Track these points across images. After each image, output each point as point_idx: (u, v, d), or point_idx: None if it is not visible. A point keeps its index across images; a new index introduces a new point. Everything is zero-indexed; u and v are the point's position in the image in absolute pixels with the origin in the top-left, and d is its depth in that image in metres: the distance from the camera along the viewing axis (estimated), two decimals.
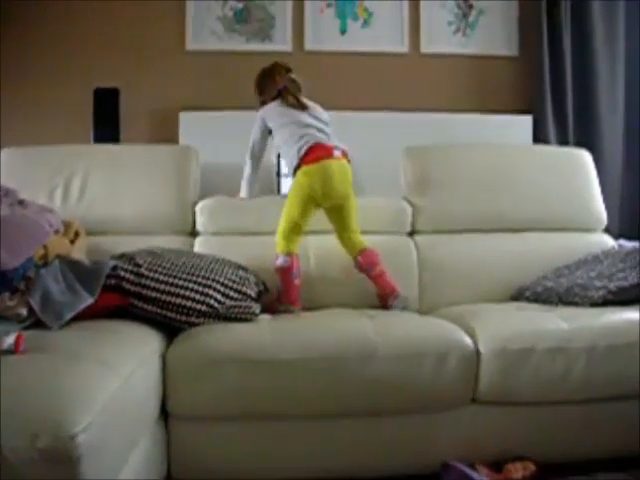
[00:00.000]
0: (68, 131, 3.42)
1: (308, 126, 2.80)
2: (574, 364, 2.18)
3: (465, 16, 3.72)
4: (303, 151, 2.73)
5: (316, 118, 2.86)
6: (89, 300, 2.07)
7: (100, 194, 2.92)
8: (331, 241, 2.85)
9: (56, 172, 2.94)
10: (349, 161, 2.82)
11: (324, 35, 3.67)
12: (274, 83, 2.94)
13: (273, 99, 2.92)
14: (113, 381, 1.60)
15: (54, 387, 1.45)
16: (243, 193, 2.98)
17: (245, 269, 2.53)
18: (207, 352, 2.06)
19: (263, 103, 2.94)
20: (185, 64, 3.63)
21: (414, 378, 2.12)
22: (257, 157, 2.95)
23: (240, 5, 3.61)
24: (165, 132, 3.35)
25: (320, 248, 2.86)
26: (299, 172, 2.74)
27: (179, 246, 2.81)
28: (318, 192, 2.70)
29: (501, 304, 2.74)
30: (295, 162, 2.75)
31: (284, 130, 2.82)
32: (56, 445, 1.28)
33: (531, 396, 2.21)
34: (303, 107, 2.86)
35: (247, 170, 2.97)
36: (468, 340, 2.19)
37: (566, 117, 3.63)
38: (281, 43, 3.63)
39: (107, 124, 3.34)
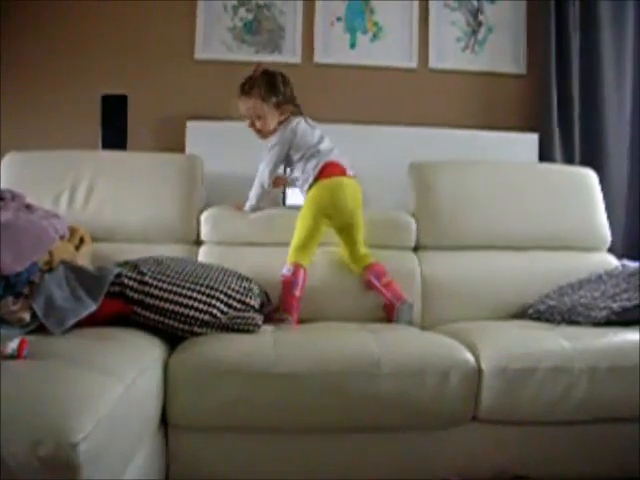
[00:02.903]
0: (75, 137, 3.41)
1: (320, 145, 2.83)
2: (576, 384, 2.17)
3: (474, 33, 3.72)
4: (319, 168, 2.77)
5: (322, 137, 2.88)
6: (92, 307, 2.07)
7: (106, 200, 2.91)
8: (336, 254, 2.87)
9: (62, 177, 2.93)
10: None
11: (333, 48, 3.66)
12: (292, 94, 2.90)
13: (292, 113, 2.87)
14: (115, 389, 1.59)
15: (56, 394, 1.45)
16: (248, 207, 2.96)
17: (249, 280, 2.52)
18: (209, 362, 2.06)
19: (278, 105, 2.85)
20: (194, 73, 3.62)
21: (415, 395, 2.11)
22: (267, 189, 2.93)
23: (250, 16, 3.62)
24: (172, 140, 3.35)
25: (325, 260, 2.86)
26: (314, 186, 2.77)
27: (183, 255, 2.81)
28: (330, 207, 2.74)
29: (503, 322, 2.73)
30: (311, 179, 2.78)
31: (302, 153, 2.83)
32: (57, 453, 1.28)
33: (532, 415, 2.21)
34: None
35: (255, 195, 2.94)
36: (470, 358, 2.18)
37: (572, 136, 3.62)
38: (290, 55, 3.63)
39: (114, 131, 3.32)
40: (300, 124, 2.85)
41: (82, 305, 2.06)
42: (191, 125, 3.48)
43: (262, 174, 2.89)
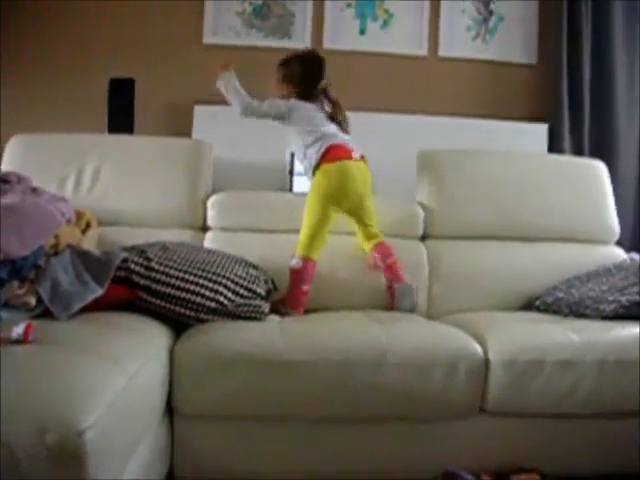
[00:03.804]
0: (82, 121, 3.40)
1: (330, 129, 2.79)
2: (584, 378, 2.16)
3: (485, 21, 3.69)
4: (323, 150, 2.70)
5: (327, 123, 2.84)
6: (98, 291, 2.05)
7: (112, 185, 2.89)
8: (343, 242, 2.83)
9: (68, 161, 2.91)
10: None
11: (343, 34, 3.65)
12: (319, 78, 2.88)
13: (307, 96, 2.85)
14: (120, 377, 1.58)
15: (62, 383, 1.43)
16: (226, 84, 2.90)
17: (255, 267, 2.51)
18: (215, 350, 2.04)
19: (286, 78, 2.88)
20: (202, 58, 3.60)
21: (422, 386, 2.09)
22: (250, 115, 2.87)
23: (260, 1, 3.59)
24: (179, 125, 3.33)
25: (332, 248, 2.81)
26: (318, 171, 2.71)
27: (189, 240, 2.79)
28: (337, 191, 2.68)
29: (511, 313, 2.72)
30: (314, 162, 2.72)
31: (303, 136, 2.78)
32: (64, 442, 1.26)
33: (539, 408, 2.19)
34: (334, 117, 2.86)
35: (237, 102, 2.87)
36: (478, 350, 2.16)
37: (582, 127, 3.60)
38: (300, 40, 3.60)
39: (122, 115, 3.31)
40: (297, 102, 2.83)
41: (88, 290, 2.04)
42: (198, 110, 3.47)
43: (252, 103, 2.85)
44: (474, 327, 2.36)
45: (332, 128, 2.82)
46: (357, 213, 2.77)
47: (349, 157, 2.71)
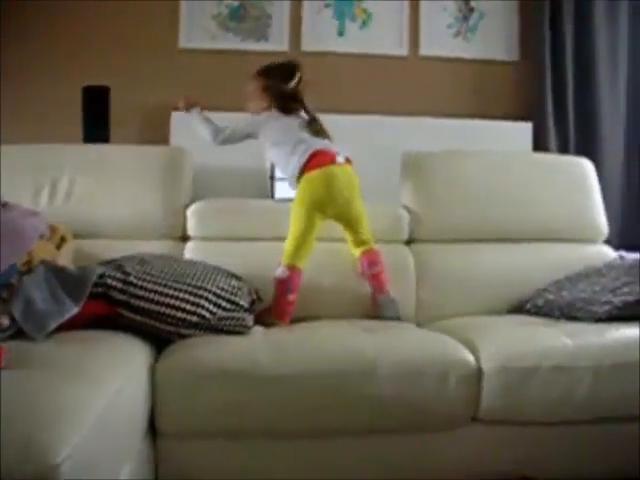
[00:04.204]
0: (56, 130, 3.31)
1: (306, 137, 2.73)
2: (579, 383, 2.10)
3: (466, 19, 3.65)
4: (304, 159, 2.63)
5: (313, 124, 2.79)
6: (74, 309, 1.96)
7: (88, 196, 2.81)
8: (329, 249, 2.76)
9: (42, 172, 2.83)
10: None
11: (322, 36, 3.59)
12: (285, 90, 2.84)
13: (275, 105, 2.82)
14: (99, 400, 1.49)
15: (36, 409, 1.34)
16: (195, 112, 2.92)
17: (238, 277, 2.43)
18: (198, 367, 1.97)
19: (266, 89, 2.84)
20: (178, 63, 3.54)
21: (414, 396, 2.03)
22: (223, 144, 2.86)
23: (236, 3, 3.52)
24: (156, 132, 3.26)
25: (318, 256, 2.73)
26: (301, 180, 2.64)
27: (169, 251, 2.72)
28: (322, 199, 2.61)
29: (502, 317, 2.67)
30: (297, 172, 2.65)
31: (281, 147, 2.74)
32: (39, 476, 1.18)
33: (534, 415, 2.13)
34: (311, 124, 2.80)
35: (207, 134, 2.88)
36: (470, 358, 2.10)
37: (567, 124, 3.56)
38: (277, 43, 3.54)
39: (97, 123, 3.24)
40: (272, 114, 2.80)
41: (63, 308, 1.95)
42: (176, 116, 3.39)
43: (224, 131, 2.84)
44: (465, 333, 2.30)
45: (317, 139, 2.76)
46: (345, 218, 2.70)
47: (333, 162, 2.64)
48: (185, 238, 2.87)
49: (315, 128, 2.80)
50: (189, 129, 2.97)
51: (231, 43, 3.53)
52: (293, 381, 1.98)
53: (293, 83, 2.82)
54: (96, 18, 3.48)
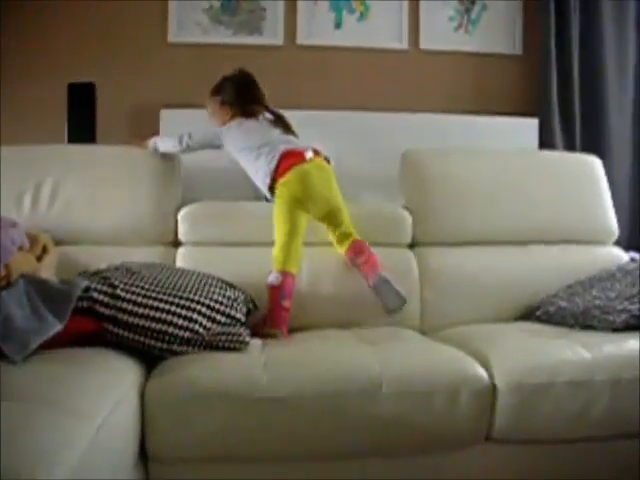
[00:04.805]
0: (39, 130, 3.19)
1: (270, 137, 2.68)
2: (597, 398, 2.00)
3: (467, 11, 3.51)
4: (274, 164, 2.58)
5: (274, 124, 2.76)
6: (57, 326, 1.82)
7: (73, 200, 2.70)
8: (325, 254, 2.66)
9: (24, 175, 2.71)
10: (328, 160, 2.69)
11: (318, 29, 3.43)
12: (256, 94, 2.84)
13: (237, 113, 2.80)
14: (84, 434, 1.37)
15: (16, 446, 1.22)
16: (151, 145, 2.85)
17: (233, 287, 2.31)
18: (191, 387, 1.83)
19: (223, 103, 2.84)
20: (167, 58, 3.39)
21: (423, 415, 1.91)
22: (188, 151, 2.82)
23: None
24: (145, 131, 3.09)
25: (314, 262, 2.65)
26: (277, 187, 2.59)
27: (160, 257, 2.61)
28: (301, 197, 2.55)
29: (511, 324, 2.57)
30: (268, 180, 2.61)
31: (244, 153, 2.70)
32: None
33: (550, 433, 2.02)
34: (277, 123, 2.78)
35: (166, 146, 2.83)
36: (483, 373, 1.98)
37: (573, 120, 3.43)
38: (271, 37, 3.39)
39: (82, 122, 3.11)
40: (234, 121, 2.77)
41: (46, 325, 1.82)
42: (165, 114, 3.26)
43: (186, 138, 2.78)
44: (474, 345, 2.19)
45: (275, 133, 2.72)
46: (325, 212, 2.63)
47: (302, 160, 2.59)
48: (176, 243, 2.77)
49: (284, 125, 2.78)
50: (179, 128, 2.85)
51: (223, 37, 3.38)
52: (292, 402, 1.85)
53: (247, 87, 2.84)
54: (81, 11, 3.32)
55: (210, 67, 3.29)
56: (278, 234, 2.55)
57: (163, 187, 2.78)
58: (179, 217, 2.74)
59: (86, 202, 2.70)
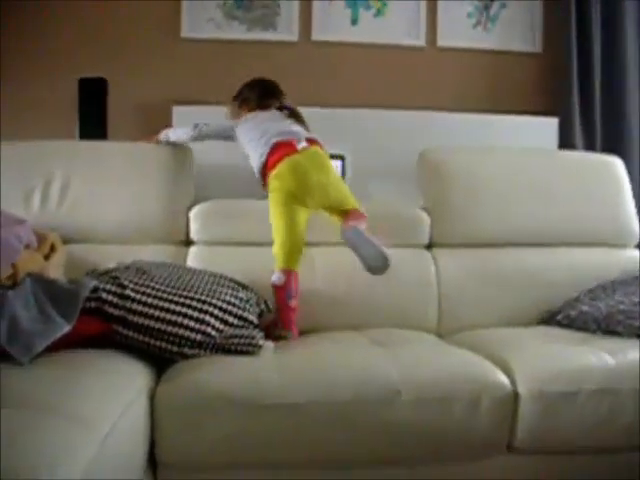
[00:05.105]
0: (51, 126, 3.14)
1: (272, 127, 2.61)
2: (622, 406, 1.94)
3: (486, 8, 3.44)
4: (264, 157, 2.52)
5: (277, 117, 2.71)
6: (65, 328, 1.77)
7: (83, 197, 2.65)
8: (336, 255, 2.58)
9: (34, 171, 2.67)
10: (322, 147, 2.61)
11: (333, 25, 3.38)
12: (275, 93, 2.82)
13: (254, 107, 2.78)
14: (93, 440, 1.33)
15: (21, 455, 1.17)
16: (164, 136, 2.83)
17: (245, 287, 2.26)
18: (203, 392, 1.78)
19: (242, 102, 2.83)
20: (180, 53, 3.34)
21: (441, 423, 1.86)
22: (201, 138, 2.78)
23: None
24: (157, 128, 3.03)
25: (325, 263, 2.60)
26: (269, 179, 2.51)
27: (170, 257, 2.56)
28: (296, 190, 2.45)
29: (532, 329, 2.50)
30: (259, 171, 2.56)
31: (252, 144, 2.63)
32: None
33: (574, 443, 1.96)
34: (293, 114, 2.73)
35: (179, 135, 2.80)
36: (505, 380, 1.92)
37: (594, 119, 3.35)
38: (286, 32, 3.34)
39: (93, 118, 3.07)
40: (250, 114, 2.74)
41: (53, 326, 1.76)
42: (178, 111, 3.21)
43: (202, 124, 2.76)
44: (495, 350, 2.13)
45: (283, 124, 2.65)
46: (327, 202, 2.53)
47: (293, 150, 2.50)
48: (188, 242, 2.72)
49: (297, 119, 2.72)
50: (191, 125, 2.80)
51: (237, 33, 3.33)
52: (306, 409, 1.80)
53: (266, 89, 2.83)
54: (94, 6, 3.28)
55: (224, 63, 3.26)
56: (275, 231, 2.47)
57: (175, 185, 2.73)
58: (191, 215, 2.69)
59: (96, 199, 2.65)
